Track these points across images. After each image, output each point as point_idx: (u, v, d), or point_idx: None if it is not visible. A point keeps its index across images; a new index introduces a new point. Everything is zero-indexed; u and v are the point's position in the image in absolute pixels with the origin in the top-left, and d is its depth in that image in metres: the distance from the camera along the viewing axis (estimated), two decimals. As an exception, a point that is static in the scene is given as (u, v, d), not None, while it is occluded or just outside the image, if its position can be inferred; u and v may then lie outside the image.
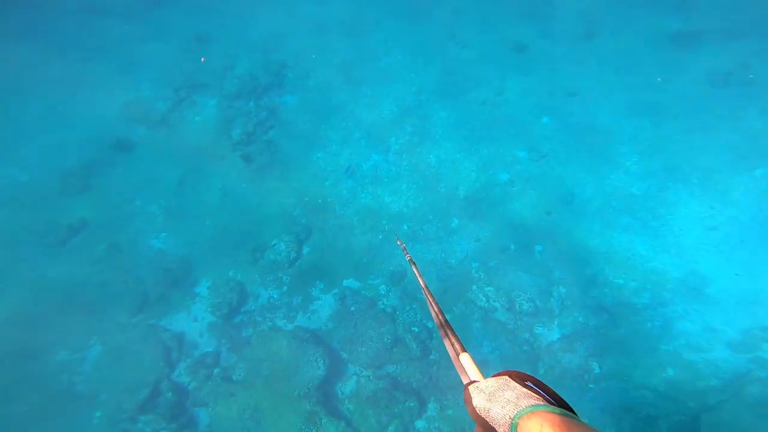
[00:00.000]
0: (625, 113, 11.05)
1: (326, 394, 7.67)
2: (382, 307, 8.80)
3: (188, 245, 9.69)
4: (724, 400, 6.77)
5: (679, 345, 7.63)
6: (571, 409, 0.97)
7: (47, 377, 8.38)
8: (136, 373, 8.13)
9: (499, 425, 0.97)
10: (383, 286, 9.10)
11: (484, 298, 8.61)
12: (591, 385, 7.47)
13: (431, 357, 8.13)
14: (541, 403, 0.96)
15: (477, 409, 1.04)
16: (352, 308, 8.72)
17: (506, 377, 1.08)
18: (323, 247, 9.72)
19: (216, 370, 8.08)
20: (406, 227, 9.81)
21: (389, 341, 8.16)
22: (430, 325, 8.55)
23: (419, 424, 7.54)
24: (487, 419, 1.00)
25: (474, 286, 8.86)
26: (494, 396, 1.02)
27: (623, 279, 8.41)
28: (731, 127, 10.16)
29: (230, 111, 11.90)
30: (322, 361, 7.75)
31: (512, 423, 0.93)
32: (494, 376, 1.12)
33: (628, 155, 9.94)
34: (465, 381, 1.20)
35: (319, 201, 10.35)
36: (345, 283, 9.23)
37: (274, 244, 9.64)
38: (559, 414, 0.90)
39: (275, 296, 9.14)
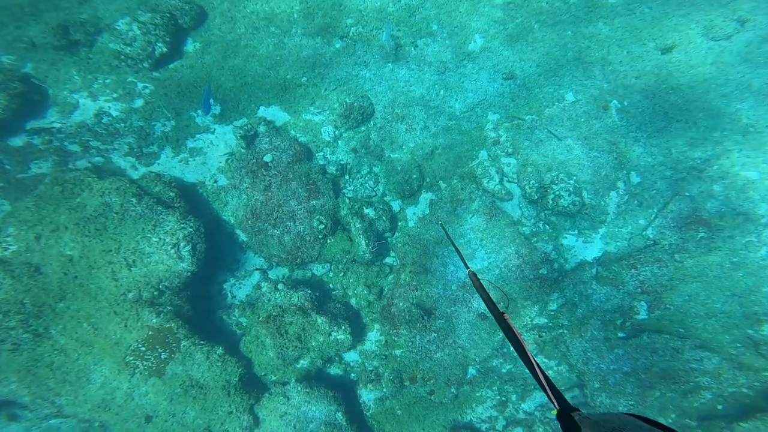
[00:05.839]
0: None
1: (192, 298, 4.35)
2: (321, 162, 5.00)
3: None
4: None
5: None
6: None
7: None
8: None
9: None
10: (329, 126, 5.12)
11: (496, 176, 4.95)
12: (620, 335, 4.59)
13: (387, 261, 4.77)
14: None
15: None
16: (268, 157, 4.86)
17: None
18: (227, 46, 5.23)
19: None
20: (384, 37, 5.30)
21: (323, 226, 4.59)
22: (396, 206, 4.97)
23: (350, 356, 4.59)
24: None
25: (483, 152, 5.09)
26: None
27: (760, 172, 4.85)
28: None
29: None
30: (188, 247, 4.16)
31: None
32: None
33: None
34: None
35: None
36: (262, 110, 5.14)
37: (119, 26, 5.00)
38: None
39: (114, 112, 4.98)
